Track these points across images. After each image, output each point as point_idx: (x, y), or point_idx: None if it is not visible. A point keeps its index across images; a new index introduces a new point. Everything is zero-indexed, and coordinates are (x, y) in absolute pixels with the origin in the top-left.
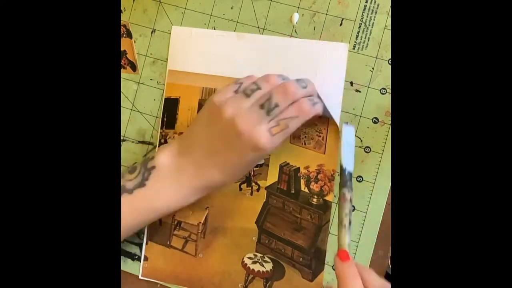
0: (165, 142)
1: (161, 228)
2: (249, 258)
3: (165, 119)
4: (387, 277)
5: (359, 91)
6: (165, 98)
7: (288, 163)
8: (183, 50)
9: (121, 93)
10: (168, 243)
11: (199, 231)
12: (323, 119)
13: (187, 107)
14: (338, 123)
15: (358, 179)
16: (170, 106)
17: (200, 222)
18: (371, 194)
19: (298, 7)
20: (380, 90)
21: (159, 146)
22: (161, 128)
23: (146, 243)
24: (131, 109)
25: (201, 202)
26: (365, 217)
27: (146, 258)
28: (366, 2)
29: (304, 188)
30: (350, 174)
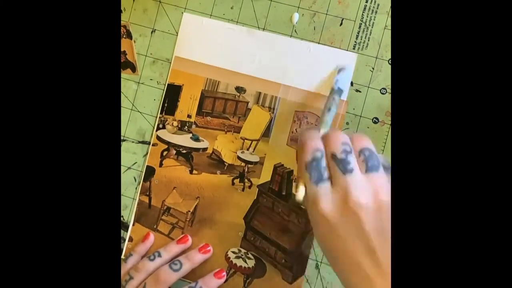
0: (163, 127)
1: (150, 211)
2: (233, 252)
3: (165, 105)
4: None
5: (359, 91)
6: (168, 84)
7: (283, 165)
8: (191, 38)
9: (121, 93)
10: (154, 227)
11: (187, 219)
12: None
13: (189, 96)
14: (342, 123)
15: None
16: (173, 92)
17: (189, 211)
18: None
19: (298, 7)
20: (380, 90)
21: (156, 131)
22: (161, 113)
23: (133, 225)
24: (131, 109)
25: (193, 192)
26: None
27: (131, 239)
28: (366, 2)
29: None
30: (341, 91)
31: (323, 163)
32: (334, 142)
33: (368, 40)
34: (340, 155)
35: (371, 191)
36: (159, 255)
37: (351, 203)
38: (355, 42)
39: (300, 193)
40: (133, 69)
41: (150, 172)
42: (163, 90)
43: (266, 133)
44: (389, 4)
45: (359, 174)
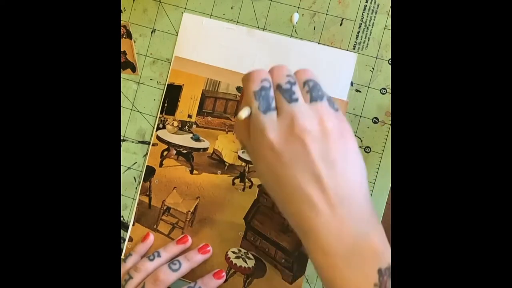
0: (163, 127)
1: (149, 211)
2: (233, 252)
3: (165, 105)
4: None
5: (359, 91)
6: (168, 84)
7: None
8: (191, 38)
9: (121, 93)
10: (154, 227)
11: (187, 219)
12: None
13: (190, 96)
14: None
15: None
16: (173, 93)
17: (189, 211)
18: (371, 194)
19: (298, 7)
20: (380, 90)
21: (156, 131)
22: (161, 113)
23: (133, 225)
24: (131, 109)
25: (193, 192)
26: None
27: (131, 239)
28: (366, 2)
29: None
30: None
31: (271, 93)
32: (279, 74)
33: (368, 40)
34: (285, 86)
35: (316, 118)
36: (159, 255)
37: (296, 129)
38: (355, 42)
39: (243, 112)
40: (133, 69)
41: (150, 172)
42: (163, 90)
43: None
44: (389, 4)
45: (303, 103)
